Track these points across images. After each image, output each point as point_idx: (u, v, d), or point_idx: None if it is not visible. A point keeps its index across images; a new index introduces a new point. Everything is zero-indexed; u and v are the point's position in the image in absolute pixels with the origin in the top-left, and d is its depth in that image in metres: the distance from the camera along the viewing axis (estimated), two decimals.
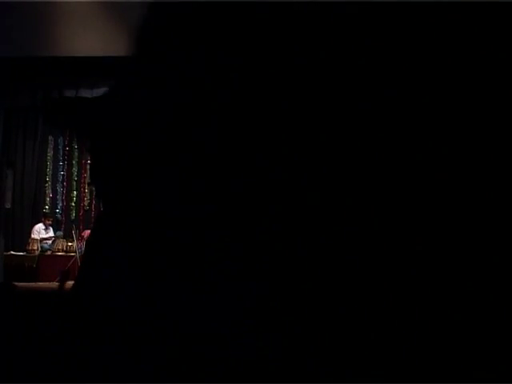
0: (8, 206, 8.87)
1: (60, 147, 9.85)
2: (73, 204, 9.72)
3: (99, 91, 8.28)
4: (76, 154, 10.18)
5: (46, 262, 8.13)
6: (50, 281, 7.23)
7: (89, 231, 9.08)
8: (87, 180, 10.30)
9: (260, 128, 0.73)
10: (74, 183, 10.00)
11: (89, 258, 0.99)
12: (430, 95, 0.69)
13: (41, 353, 1.10)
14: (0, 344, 1.11)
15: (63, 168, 9.78)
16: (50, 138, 9.57)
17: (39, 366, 0.99)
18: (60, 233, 9.00)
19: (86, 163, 10.43)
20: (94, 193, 10.43)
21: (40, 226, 8.75)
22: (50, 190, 9.59)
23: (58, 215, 9.61)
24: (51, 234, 8.81)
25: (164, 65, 0.80)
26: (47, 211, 9.34)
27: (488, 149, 0.72)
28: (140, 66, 0.85)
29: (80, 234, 8.88)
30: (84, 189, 10.24)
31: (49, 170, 9.58)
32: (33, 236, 8.61)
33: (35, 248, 8.39)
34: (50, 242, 8.56)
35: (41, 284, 7.18)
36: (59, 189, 9.70)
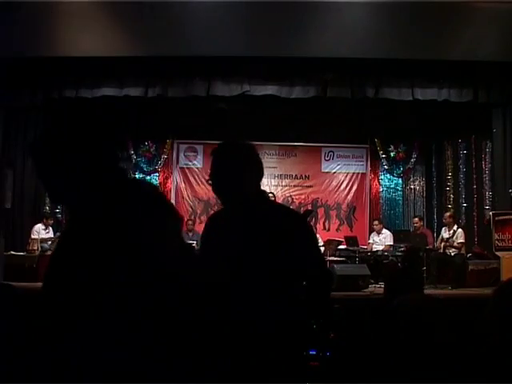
0: (8, 206, 8.86)
1: None
2: None
3: (99, 91, 8.27)
4: None
5: (45, 261, 8.11)
6: None
7: None
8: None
9: None
10: None
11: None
12: None
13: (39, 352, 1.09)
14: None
15: None
16: None
17: (36, 366, 1.00)
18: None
19: None
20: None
21: (40, 226, 8.74)
22: None
23: (59, 215, 9.61)
24: (51, 234, 8.79)
25: None
26: (47, 211, 9.33)
27: None
28: None
29: None
30: None
31: None
32: (33, 236, 8.60)
33: (35, 248, 8.38)
34: (50, 242, 8.55)
35: (41, 284, 7.17)
36: None
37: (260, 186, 2.01)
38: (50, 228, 8.87)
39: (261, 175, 2.00)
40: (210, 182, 1.96)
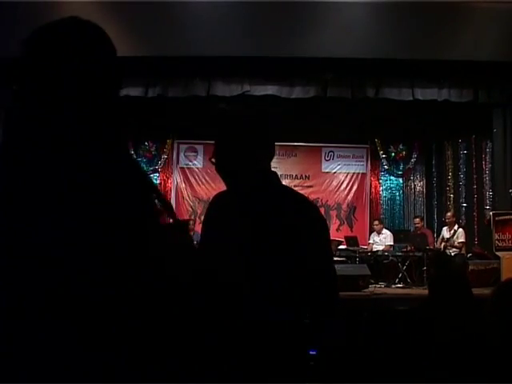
0: None
1: None
2: None
3: None
4: None
5: None
6: None
7: None
8: None
9: None
10: None
11: None
12: None
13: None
14: None
15: None
16: None
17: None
18: None
19: None
20: None
21: None
22: None
23: None
24: None
25: None
26: None
27: None
28: None
29: None
30: None
31: None
32: None
33: None
34: None
35: None
36: None
37: (270, 166, 1.73)
38: None
39: (272, 153, 1.73)
40: (212, 159, 1.68)
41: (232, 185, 1.71)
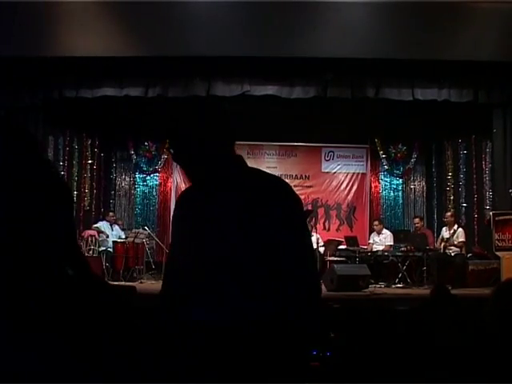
0: None
1: (60, 147, 9.86)
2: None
3: (99, 91, 8.27)
4: (76, 154, 10.19)
5: None
6: None
7: (89, 231, 9.10)
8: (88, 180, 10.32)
9: None
10: (75, 183, 10.00)
11: None
12: None
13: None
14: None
15: (63, 168, 9.78)
16: (51, 138, 9.56)
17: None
18: None
19: (86, 163, 10.42)
20: (95, 193, 10.47)
21: None
22: None
23: None
24: None
25: None
26: None
27: None
28: None
29: (80, 235, 8.88)
30: (84, 189, 10.24)
31: None
32: None
33: None
34: None
35: None
36: None
37: (234, 150, 1.63)
38: None
39: (231, 136, 1.64)
40: (170, 150, 1.67)
41: (194, 174, 1.66)
